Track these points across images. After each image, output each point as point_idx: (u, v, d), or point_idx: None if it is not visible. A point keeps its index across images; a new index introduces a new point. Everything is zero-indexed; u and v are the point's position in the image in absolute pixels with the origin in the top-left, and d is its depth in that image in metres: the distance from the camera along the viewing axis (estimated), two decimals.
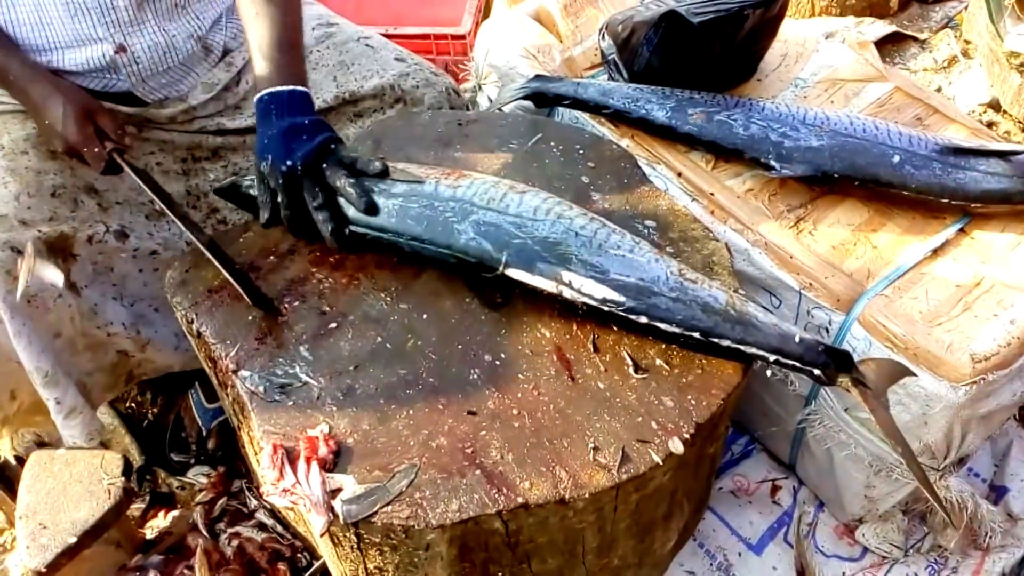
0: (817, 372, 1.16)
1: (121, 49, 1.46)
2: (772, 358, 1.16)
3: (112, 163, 1.37)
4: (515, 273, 1.23)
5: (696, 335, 1.17)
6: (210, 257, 1.28)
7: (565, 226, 1.24)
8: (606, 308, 1.19)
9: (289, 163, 1.23)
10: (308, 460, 1.09)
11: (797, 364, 1.16)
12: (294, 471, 1.09)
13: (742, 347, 1.16)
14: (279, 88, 1.28)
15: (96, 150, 1.36)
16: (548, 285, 1.21)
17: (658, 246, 1.34)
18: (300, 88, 1.30)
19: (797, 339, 1.16)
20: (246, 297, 1.26)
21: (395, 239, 1.29)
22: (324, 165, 1.27)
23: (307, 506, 1.07)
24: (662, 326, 1.18)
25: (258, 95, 1.29)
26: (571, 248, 1.22)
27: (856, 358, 1.18)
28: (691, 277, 1.20)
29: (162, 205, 1.35)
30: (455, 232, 1.26)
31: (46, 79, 1.39)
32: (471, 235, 1.25)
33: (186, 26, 1.54)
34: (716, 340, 1.17)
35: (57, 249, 1.38)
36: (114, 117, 1.41)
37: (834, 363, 1.16)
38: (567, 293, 1.21)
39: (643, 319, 1.18)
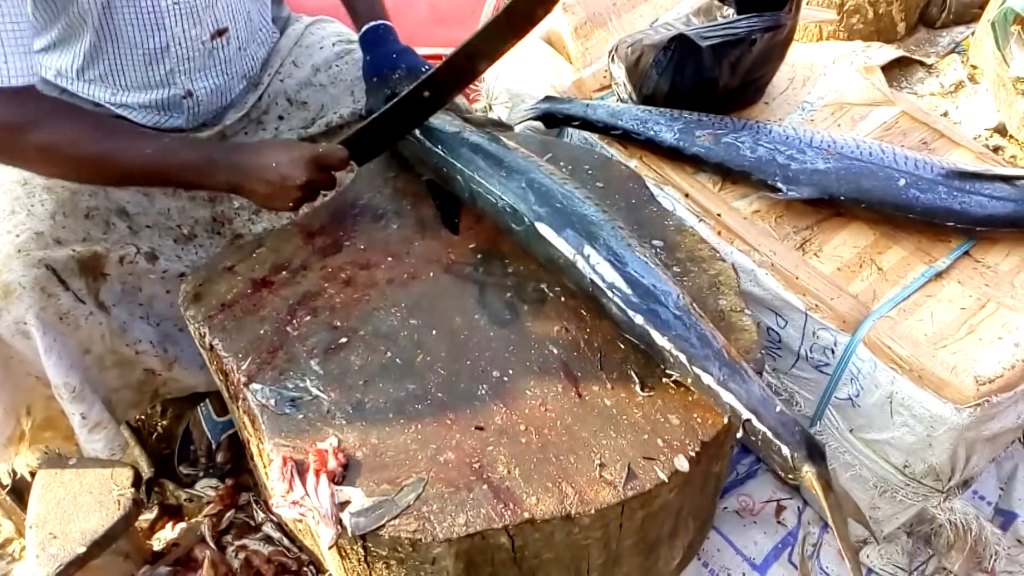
0: (785, 451, 1.09)
1: (189, 94, 1.52)
2: (746, 416, 1.11)
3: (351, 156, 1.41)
4: (543, 228, 1.29)
5: (683, 357, 1.15)
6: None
7: (605, 218, 1.30)
8: (609, 294, 1.21)
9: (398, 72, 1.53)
10: (317, 473, 1.10)
11: (768, 434, 1.10)
12: (303, 483, 1.10)
13: (722, 391, 1.12)
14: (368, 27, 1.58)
15: (331, 151, 1.37)
16: (567, 251, 1.26)
17: (665, 266, 1.35)
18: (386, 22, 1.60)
19: (777, 408, 1.11)
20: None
21: (456, 165, 1.42)
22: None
23: (315, 518, 1.08)
24: (654, 334, 1.17)
25: (365, 27, 1.57)
26: (603, 231, 1.26)
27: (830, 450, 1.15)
28: (700, 311, 1.20)
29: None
30: (509, 179, 1.36)
31: (247, 143, 1.50)
32: (521, 185, 1.34)
33: (242, 67, 1.60)
34: (699, 372, 1.14)
35: (88, 268, 1.40)
36: (337, 150, 1.38)
37: (807, 448, 1.09)
38: (580, 264, 1.24)
39: (639, 319, 1.18)
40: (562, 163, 1.57)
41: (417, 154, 1.51)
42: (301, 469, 1.11)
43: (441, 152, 1.45)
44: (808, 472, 1.09)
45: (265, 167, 1.31)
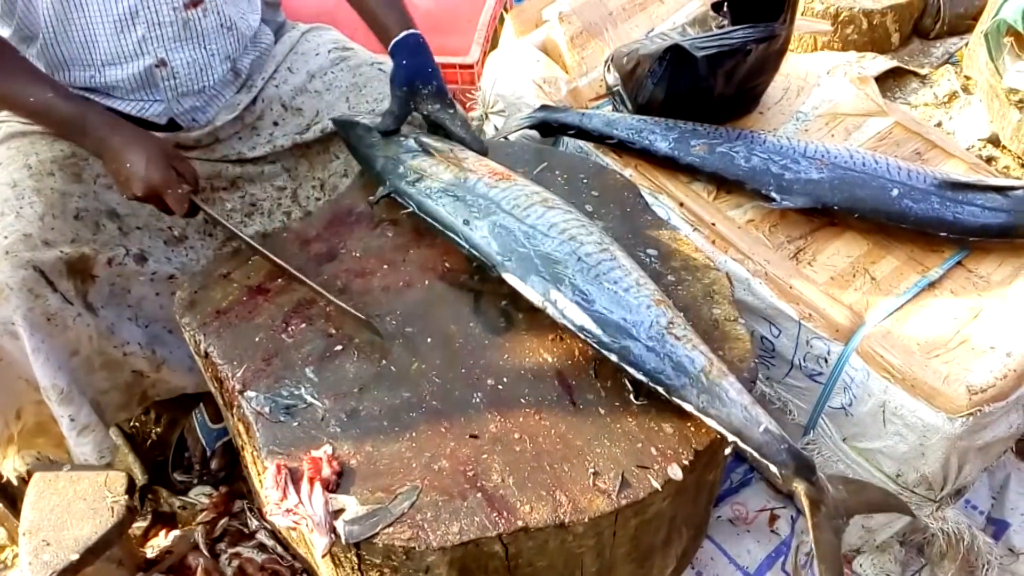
0: (773, 469, 1.09)
1: (161, 63, 1.50)
2: (731, 438, 1.12)
3: (192, 206, 1.41)
4: (509, 278, 1.27)
5: (660, 389, 1.15)
6: (307, 283, 1.35)
7: (571, 248, 1.26)
8: (582, 336, 1.20)
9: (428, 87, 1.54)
10: (311, 480, 1.10)
11: (755, 454, 1.10)
12: (297, 491, 1.10)
13: (703, 416, 1.13)
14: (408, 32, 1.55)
15: (178, 192, 1.39)
16: (535, 298, 1.24)
17: (660, 274, 1.36)
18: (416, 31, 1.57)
19: (762, 428, 1.10)
20: (352, 312, 1.31)
21: (426, 216, 1.41)
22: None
23: (309, 526, 1.08)
24: (630, 370, 1.17)
25: (394, 40, 1.55)
26: (567, 270, 1.23)
27: (820, 465, 1.13)
28: (678, 333, 1.18)
29: (248, 241, 1.43)
30: (473, 226, 1.33)
31: (127, 127, 1.43)
32: (484, 233, 1.31)
33: (226, 47, 1.58)
34: (679, 401, 1.14)
35: (77, 270, 1.41)
36: (190, 164, 1.45)
37: (795, 464, 1.09)
38: (551, 310, 1.23)
39: (614, 357, 1.18)
40: (557, 171, 1.58)
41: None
42: (295, 477, 1.11)
43: (405, 201, 1.46)
44: (798, 487, 1.10)
45: (120, 156, 1.38)
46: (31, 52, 1.47)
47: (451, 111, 1.55)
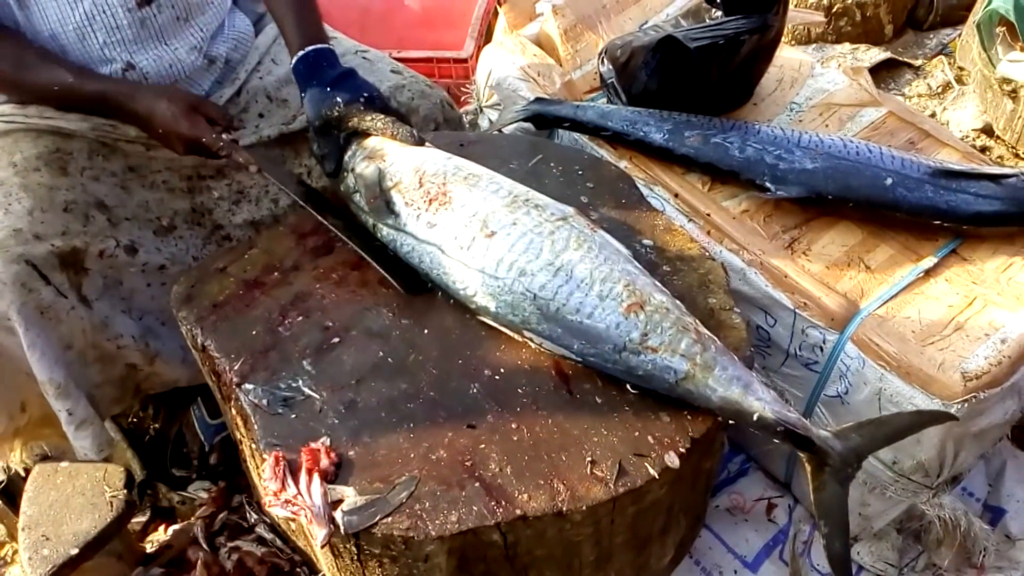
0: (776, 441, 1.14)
1: (130, 67, 1.51)
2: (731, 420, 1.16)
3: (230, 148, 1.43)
4: (484, 318, 1.28)
5: (652, 395, 1.18)
6: (347, 241, 1.37)
7: (524, 286, 1.22)
8: (566, 354, 1.22)
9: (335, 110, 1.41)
10: (309, 472, 1.10)
11: (756, 432, 1.14)
12: (295, 483, 1.10)
13: (704, 405, 1.16)
14: (308, 49, 1.43)
15: (213, 136, 1.42)
16: (512, 334, 1.26)
17: (655, 265, 1.36)
18: (324, 45, 1.45)
19: (755, 417, 1.12)
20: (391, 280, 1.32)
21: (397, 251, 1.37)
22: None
23: (308, 517, 1.09)
24: (623, 380, 1.20)
25: (295, 58, 1.44)
26: (526, 312, 1.22)
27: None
28: (653, 344, 1.16)
29: (284, 189, 1.47)
30: (438, 274, 1.31)
31: (145, 89, 1.46)
32: (449, 282, 1.30)
33: (189, 39, 1.58)
34: (679, 397, 1.17)
35: (69, 262, 1.41)
36: (215, 104, 1.48)
37: (793, 444, 1.13)
38: (532, 344, 1.25)
39: (602, 373, 1.21)
40: (552, 164, 1.58)
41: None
42: (293, 468, 1.12)
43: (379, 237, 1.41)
44: (802, 456, 1.14)
45: (151, 125, 1.43)
46: None
47: (370, 116, 1.41)
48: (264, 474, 1.13)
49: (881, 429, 1.17)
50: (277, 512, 1.11)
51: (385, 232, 1.38)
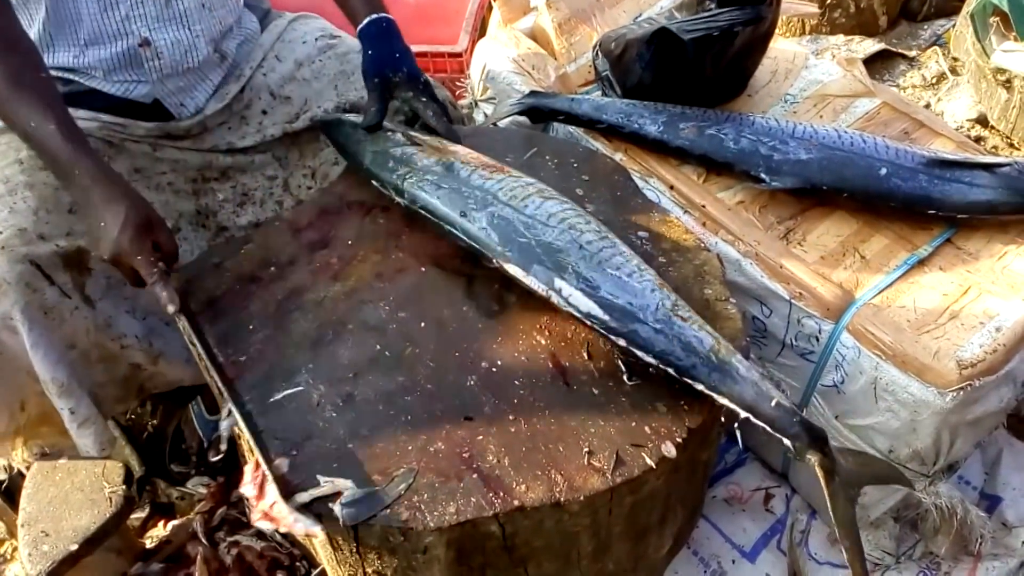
0: (787, 442, 1.12)
1: (145, 43, 1.50)
2: (744, 414, 1.13)
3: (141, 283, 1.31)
4: (511, 268, 1.27)
5: (671, 371, 1.16)
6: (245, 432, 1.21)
7: (572, 237, 1.25)
8: (588, 322, 1.21)
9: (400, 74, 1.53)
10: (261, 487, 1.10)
11: (768, 428, 1.12)
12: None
13: (714, 395, 1.14)
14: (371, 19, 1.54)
15: (149, 260, 1.28)
16: (539, 288, 1.24)
17: (651, 256, 1.37)
18: (389, 16, 1.56)
19: (774, 403, 1.11)
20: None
21: (420, 208, 1.40)
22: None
23: (287, 524, 1.06)
24: (639, 353, 1.18)
25: (366, 20, 1.53)
26: (570, 258, 1.23)
27: (832, 438, 1.15)
28: (683, 315, 1.18)
29: (208, 365, 1.28)
30: (471, 218, 1.32)
31: (117, 185, 1.30)
32: (483, 224, 1.30)
33: (208, 28, 1.58)
34: (690, 381, 1.15)
35: (73, 263, 1.41)
36: (170, 234, 1.34)
37: (808, 437, 1.12)
38: (555, 299, 1.23)
39: (622, 341, 1.18)
40: (548, 157, 1.58)
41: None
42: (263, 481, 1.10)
43: (400, 198, 1.44)
44: (812, 459, 1.12)
45: (97, 212, 1.28)
46: (32, 32, 1.46)
47: (424, 99, 1.53)
48: (244, 479, 1.12)
49: (868, 466, 1.21)
50: (262, 527, 1.08)
51: (418, 178, 1.41)
